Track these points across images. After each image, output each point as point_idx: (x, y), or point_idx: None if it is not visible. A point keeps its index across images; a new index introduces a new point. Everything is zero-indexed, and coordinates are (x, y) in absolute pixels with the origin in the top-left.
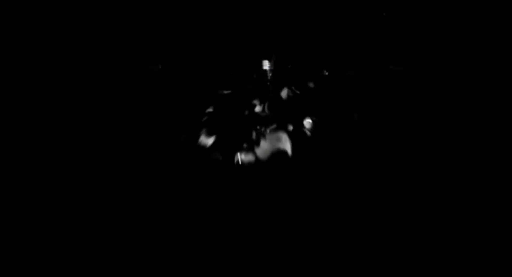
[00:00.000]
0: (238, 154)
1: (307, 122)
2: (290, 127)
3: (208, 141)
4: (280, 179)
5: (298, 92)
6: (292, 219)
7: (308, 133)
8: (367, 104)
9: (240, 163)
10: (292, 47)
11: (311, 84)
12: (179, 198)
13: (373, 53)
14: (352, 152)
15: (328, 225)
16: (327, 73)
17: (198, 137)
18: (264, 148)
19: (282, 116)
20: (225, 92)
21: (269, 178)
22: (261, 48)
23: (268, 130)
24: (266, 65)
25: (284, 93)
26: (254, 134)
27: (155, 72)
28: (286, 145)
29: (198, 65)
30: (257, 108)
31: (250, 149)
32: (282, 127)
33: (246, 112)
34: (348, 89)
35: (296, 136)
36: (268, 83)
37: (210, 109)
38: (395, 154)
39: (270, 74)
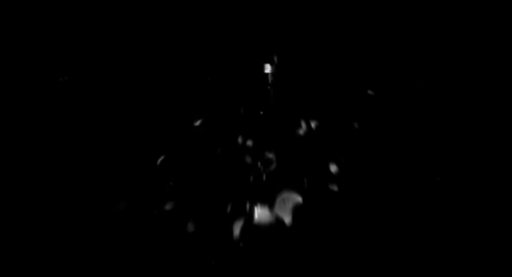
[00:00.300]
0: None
1: (334, 169)
2: (305, 183)
3: (172, 205)
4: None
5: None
6: None
7: (336, 189)
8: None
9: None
10: (300, 46)
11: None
12: None
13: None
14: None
15: None
16: (371, 93)
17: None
18: (263, 217)
19: (292, 160)
20: (197, 122)
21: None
22: (258, 46)
23: (269, 184)
24: (267, 68)
25: (300, 128)
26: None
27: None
28: (297, 203)
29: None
30: (250, 146)
31: (243, 215)
32: (292, 179)
33: (232, 156)
34: (418, 120)
35: (315, 196)
36: (268, 87)
37: (162, 158)
38: None
39: (272, 79)
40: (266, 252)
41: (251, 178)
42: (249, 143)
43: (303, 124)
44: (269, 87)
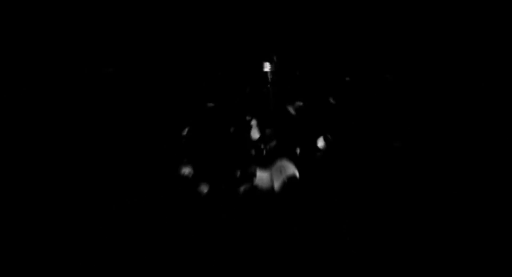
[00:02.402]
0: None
1: (321, 142)
2: (298, 151)
3: (189, 170)
4: (284, 213)
5: (308, 104)
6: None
7: (320, 155)
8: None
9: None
10: (298, 46)
11: (328, 95)
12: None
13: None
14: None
15: None
16: (348, 79)
17: (178, 165)
18: (263, 179)
19: (288, 136)
20: (210, 104)
21: (270, 212)
22: (258, 46)
23: (268, 155)
24: (267, 67)
25: (292, 106)
26: (252, 158)
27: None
28: (291, 174)
29: (177, 65)
30: (254, 125)
31: (246, 179)
32: (287, 151)
33: (239, 132)
34: (386, 101)
35: (306, 162)
36: (268, 84)
37: (185, 132)
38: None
39: (271, 77)
40: (262, 208)
41: (254, 150)
42: (253, 122)
43: (298, 106)
44: (268, 85)
